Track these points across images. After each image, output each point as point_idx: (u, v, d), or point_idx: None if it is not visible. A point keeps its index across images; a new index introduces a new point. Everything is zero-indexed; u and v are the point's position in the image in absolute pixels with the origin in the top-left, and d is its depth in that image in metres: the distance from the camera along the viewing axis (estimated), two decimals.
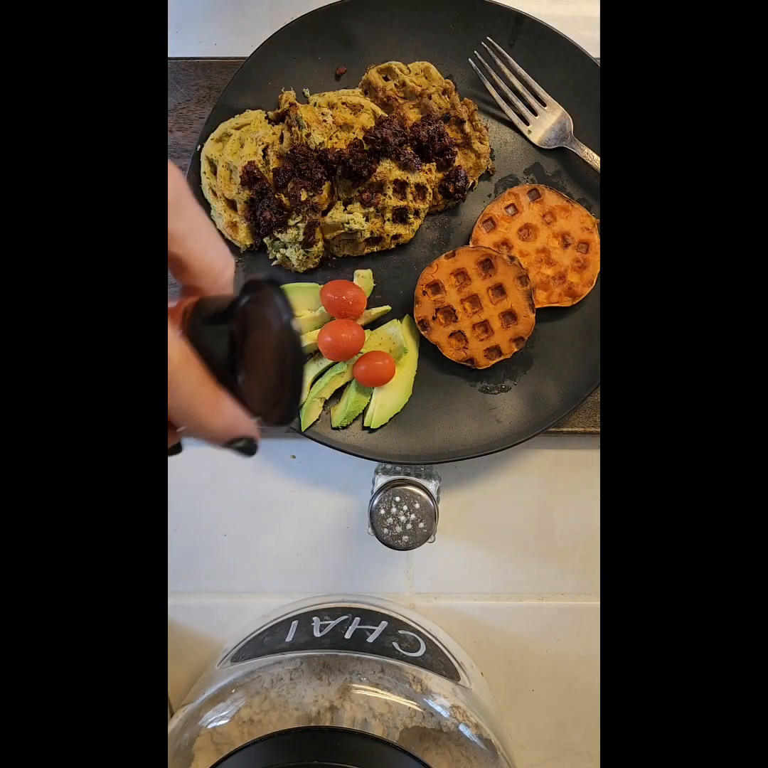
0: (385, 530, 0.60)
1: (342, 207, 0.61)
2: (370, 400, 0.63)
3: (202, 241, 0.29)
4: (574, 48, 0.61)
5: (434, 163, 0.62)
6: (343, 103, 0.62)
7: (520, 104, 0.63)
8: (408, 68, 0.62)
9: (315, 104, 0.62)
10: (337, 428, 0.63)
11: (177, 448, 0.31)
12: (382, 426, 0.63)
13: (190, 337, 0.29)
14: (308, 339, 0.62)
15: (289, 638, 0.63)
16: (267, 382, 0.28)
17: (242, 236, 0.62)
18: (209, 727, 0.55)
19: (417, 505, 0.59)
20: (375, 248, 0.63)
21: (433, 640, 0.66)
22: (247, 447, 0.29)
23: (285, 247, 0.62)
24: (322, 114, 0.61)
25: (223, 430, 0.28)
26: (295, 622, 0.65)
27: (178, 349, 0.27)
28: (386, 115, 0.61)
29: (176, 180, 0.28)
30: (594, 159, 0.62)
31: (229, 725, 0.54)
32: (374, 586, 0.71)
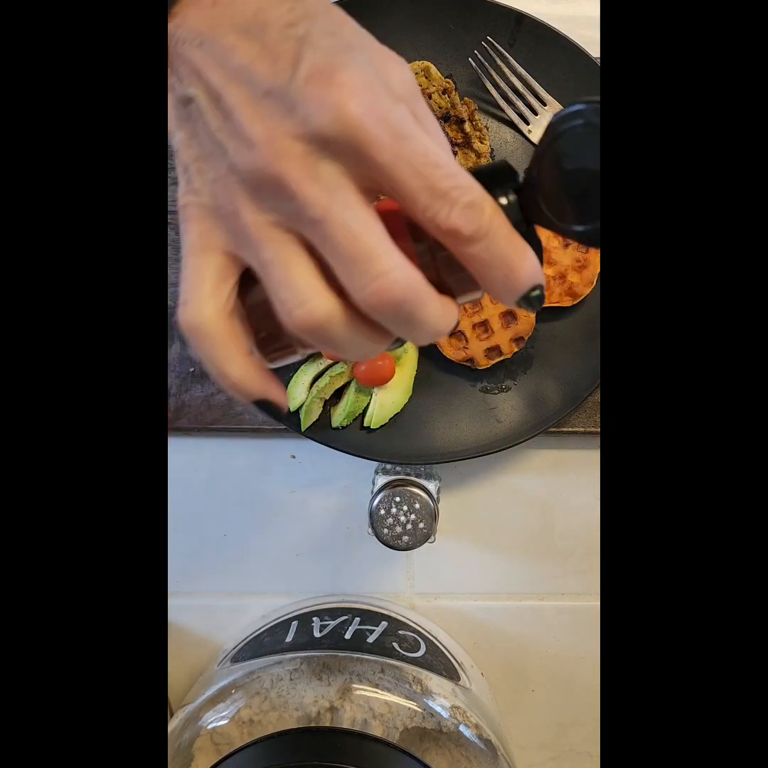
0: (385, 530, 0.60)
1: None
2: (370, 400, 0.63)
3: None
4: (574, 48, 0.61)
5: None
6: None
7: (520, 104, 0.63)
8: None
9: None
10: (337, 428, 0.63)
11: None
12: (382, 426, 0.63)
13: None
14: None
15: (289, 638, 0.63)
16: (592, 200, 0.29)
17: None
18: (209, 727, 0.55)
19: (417, 505, 0.59)
20: None
21: (433, 640, 0.66)
22: (539, 296, 0.30)
23: None
24: None
25: (529, 279, 0.29)
26: (295, 623, 0.65)
27: (488, 201, 0.28)
28: None
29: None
30: None
31: (229, 725, 0.54)
32: (374, 586, 0.71)
